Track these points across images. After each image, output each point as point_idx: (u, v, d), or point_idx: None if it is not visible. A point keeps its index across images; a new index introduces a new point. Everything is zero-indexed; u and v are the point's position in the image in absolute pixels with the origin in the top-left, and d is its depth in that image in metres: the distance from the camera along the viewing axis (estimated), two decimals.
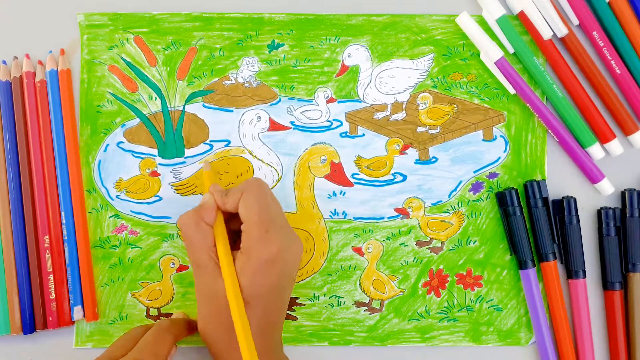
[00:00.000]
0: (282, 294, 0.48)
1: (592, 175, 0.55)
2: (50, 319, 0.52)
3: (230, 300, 0.45)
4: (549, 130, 0.55)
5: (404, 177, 0.55)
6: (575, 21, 0.55)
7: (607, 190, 0.55)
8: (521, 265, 0.54)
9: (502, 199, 0.54)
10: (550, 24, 0.54)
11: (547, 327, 0.54)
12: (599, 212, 0.54)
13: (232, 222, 0.50)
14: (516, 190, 0.54)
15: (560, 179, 0.56)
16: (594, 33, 0.55)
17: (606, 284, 0.54)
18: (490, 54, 0.54)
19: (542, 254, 0.54)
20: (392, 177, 0.55)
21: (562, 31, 0.54)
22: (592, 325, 0.54)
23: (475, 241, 0.55)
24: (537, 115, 0.55)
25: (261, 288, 0.46)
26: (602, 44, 0.55)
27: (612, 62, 0.55)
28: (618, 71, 0.55)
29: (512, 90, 0.55)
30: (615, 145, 0.55)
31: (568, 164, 0.56)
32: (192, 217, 0.48)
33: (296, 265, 0.49)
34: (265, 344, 0.47)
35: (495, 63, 0.54)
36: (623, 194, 0.54)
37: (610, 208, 0.54)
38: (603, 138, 0.55)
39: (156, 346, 0.46)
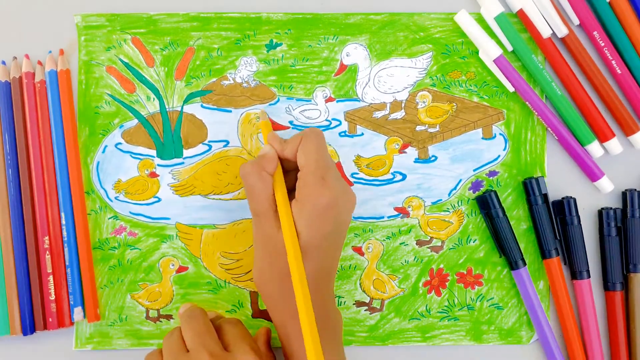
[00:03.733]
0: (336, 243, 0.49)
1: (591, 173, 0.54)
2: (50, 320, 0.52)
3: (287, 248, 0.46)
4: (548, 128, 0.54)
5: (404, 176, 0.55)
6: (576, 21, 0.55)
7: (607, 188, 0.54)
8: (512, 265, 0.54)
9: (484, 202, 0.54)
10: (549, 23, 0.54)
11: (547, 325, 0.53)
12: (599, 212, 0.54)
13: (286, 176, 0.50)
14: (495, 192, 0.54)
15: (560, 178, 0.55)
16: (595, 33, 0.54)
17: (607, 285, 0.54)
18: (489, 51, 0.54)
19: (544, 250, 0.54)
20: (391, 176, 0.55)
21: (562, 31, 0.54)
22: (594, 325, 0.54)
23: (476, 240, 0.55)
24: (536, 113, 0.54)
25: (317, 237, 0.46)
26: (602, 44, 0.54)
27: (613, 62, 0.55)
28: (619, 71, 0.55)
29: (511, 88, 0.54)
30: (615, 144, 0.54)
31: (568, 162, 0.55)
32: (255, 167, 0.48)
33: (350, 215, 0.49)
34: (319, 293, 0.48)
35: (494, 61, 0.54)
36: (624, 194, 0.54)
37: (611, 208, 0.54)
38: (602, 136, 0.54)
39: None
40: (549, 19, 0.54)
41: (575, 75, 0.55)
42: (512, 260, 0.54)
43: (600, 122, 0.54)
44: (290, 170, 0.50)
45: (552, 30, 0.54)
